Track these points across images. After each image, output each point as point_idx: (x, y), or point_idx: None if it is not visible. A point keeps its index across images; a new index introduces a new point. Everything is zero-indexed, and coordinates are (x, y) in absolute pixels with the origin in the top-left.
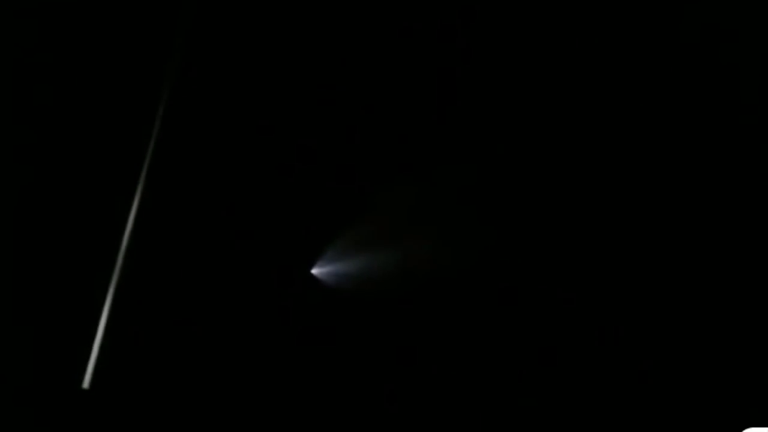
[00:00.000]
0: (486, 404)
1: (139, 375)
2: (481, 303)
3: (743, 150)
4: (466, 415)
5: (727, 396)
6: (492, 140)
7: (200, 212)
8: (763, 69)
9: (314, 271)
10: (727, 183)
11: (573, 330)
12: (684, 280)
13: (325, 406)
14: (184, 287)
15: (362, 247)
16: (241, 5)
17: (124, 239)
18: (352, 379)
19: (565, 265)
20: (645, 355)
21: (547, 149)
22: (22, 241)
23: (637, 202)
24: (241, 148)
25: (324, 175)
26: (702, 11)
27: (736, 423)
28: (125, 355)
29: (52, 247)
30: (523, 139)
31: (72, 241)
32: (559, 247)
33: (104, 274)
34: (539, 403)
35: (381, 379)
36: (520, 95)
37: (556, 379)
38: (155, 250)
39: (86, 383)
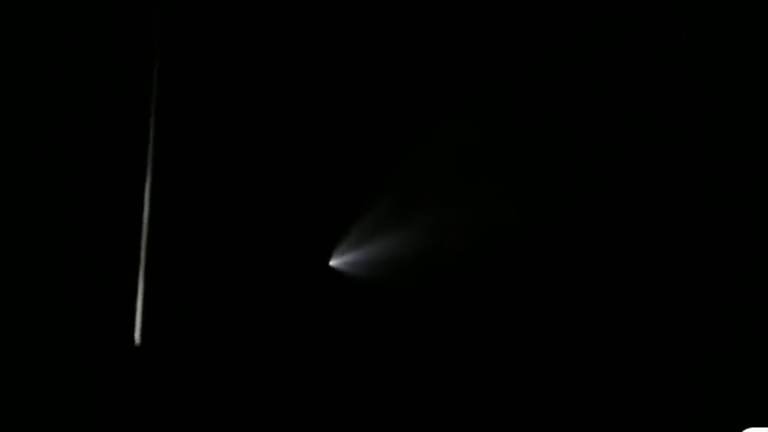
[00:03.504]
0: (500, 394)
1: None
2: (497, 287)
3: (744, 150)
4: (483, 405)
5: (727, 396)
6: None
7: (213, 212)
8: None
9: (332, 262)
10: (727, 183)
11: (576, 325)
12: (684, 281)
13: (350, 396)
14: (203, 290)
15: (376, 234)
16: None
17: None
18: (375, 372)
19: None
20: (645, 354)
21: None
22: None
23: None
24: (246, 143)
25: (330, 167)
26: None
27: (736, 423)
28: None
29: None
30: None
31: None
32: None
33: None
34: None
35: (406, 370)
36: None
37: (561, 373)
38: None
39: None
